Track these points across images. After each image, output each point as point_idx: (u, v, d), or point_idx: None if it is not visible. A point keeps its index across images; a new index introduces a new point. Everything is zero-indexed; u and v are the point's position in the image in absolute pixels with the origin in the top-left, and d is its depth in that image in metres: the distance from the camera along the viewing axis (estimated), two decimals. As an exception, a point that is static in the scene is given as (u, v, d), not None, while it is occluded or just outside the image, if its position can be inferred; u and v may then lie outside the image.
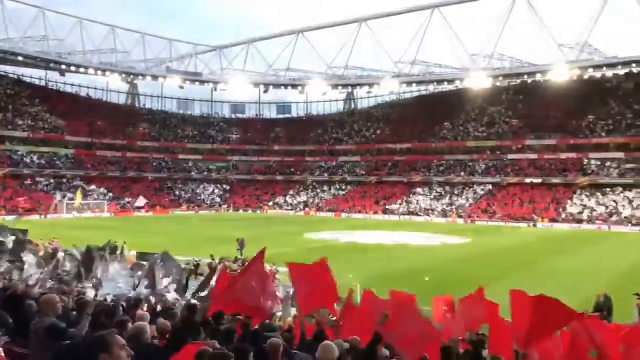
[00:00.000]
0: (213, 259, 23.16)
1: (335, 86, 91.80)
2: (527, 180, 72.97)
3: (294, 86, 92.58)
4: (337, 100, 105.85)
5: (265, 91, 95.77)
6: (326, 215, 76.09)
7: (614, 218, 61.79)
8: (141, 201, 76.29)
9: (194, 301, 10.19)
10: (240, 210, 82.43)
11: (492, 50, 73.97)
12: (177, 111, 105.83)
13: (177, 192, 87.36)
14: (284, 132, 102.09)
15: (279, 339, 5.55)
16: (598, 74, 75.66)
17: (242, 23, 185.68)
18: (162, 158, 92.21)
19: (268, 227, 55.15)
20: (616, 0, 63.97)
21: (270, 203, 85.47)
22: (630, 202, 64.02)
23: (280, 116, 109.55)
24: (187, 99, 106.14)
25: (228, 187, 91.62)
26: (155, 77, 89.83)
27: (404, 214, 73.26)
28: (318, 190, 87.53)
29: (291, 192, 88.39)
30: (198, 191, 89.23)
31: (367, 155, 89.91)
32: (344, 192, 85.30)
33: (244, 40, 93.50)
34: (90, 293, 11.56)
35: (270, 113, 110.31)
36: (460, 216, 69.77)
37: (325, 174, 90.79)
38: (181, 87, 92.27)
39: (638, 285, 23.27)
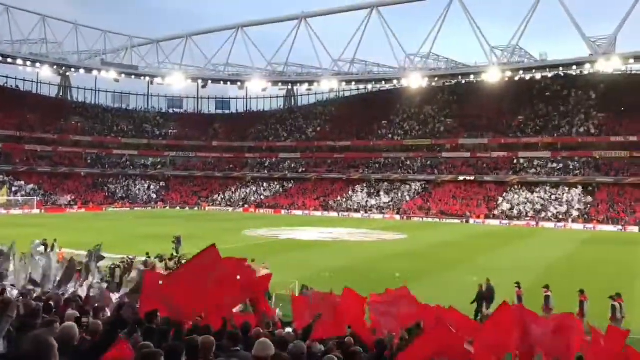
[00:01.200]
0: (149, 257, 22.71)
1: (275, 83, 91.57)
2: (461, 178, 75.34)
3: (233, 82, 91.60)
4: (277, 97, 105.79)
5: (204, 86, 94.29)
6: (266, 213, 75.89)
7: (542, 215, 64.75)
8: (65, 199, 74.10)
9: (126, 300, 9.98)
10: (178, 208, 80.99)
11: (428, 51, 75.75)
12: (112, 105, 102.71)
13: (111, 189, 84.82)
14: (223, 128, 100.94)
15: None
16: (528, 76, 78.89)
17: (181, 16, 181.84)
18: (96, 153, 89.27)
19: (206, 224, 54.45)
20: (546, 5, 66.71)
21: (209, 200, 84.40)
22: (557, 199, 67.27)
23: (220, 112, 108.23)
24: (122, 93, 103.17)
25: (165, 184, 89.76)
26: (89, 70, 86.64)
27: (343, 211, 74.05)
28: (257, 187, 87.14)
29: (230, 189, 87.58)
30: (133, 188, 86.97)
31: (307, 152, 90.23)
32: (283, 189, 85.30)
33: (182, 34, 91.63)
34: (14, 292, 11.11)
35: (209, 108, 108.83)
36: (397, 213, 71.22)
37: (265, 171, 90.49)
38: (116, 81, 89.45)
39: (559, 279, 24.58)
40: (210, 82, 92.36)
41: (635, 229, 57.31)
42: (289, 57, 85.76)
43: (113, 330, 5.65)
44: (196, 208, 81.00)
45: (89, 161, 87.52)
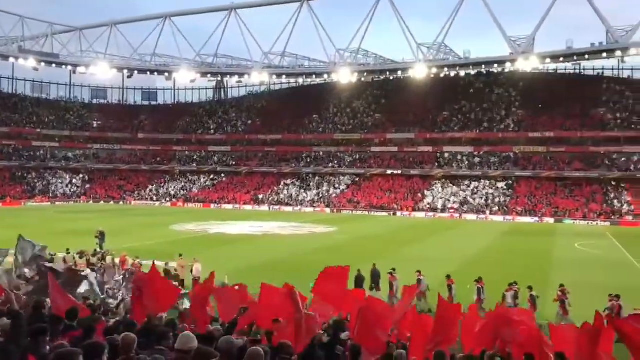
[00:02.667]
0: (69, 253, 21.90)
1: (204, 74, 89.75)
2: (389, 172, 77.04)
3: (160, 72, 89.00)
4: (206, 89, 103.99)
5: (130, 76, 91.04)
6: (194, 207, 74.68)
7: (465, 207, 67.30)
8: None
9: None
10: (102, 202, 78.23)
11: (357, 46, 76.67)
12: (31, 94, 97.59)
13: (30, 182, 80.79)
14: (150, 119, 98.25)
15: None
16: (453, 73, 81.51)
17: (106, 4, 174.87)
18: (14, 145, 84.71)
19: (132, 218, 52.97)
20: (470, 5, 68.95)
21: (135, 194, 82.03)
22: (479, 192, 70.12)
23: (146, 103, 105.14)
24: (42, 82, 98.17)
25: (88, 177, 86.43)
26: (5, 57, 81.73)
27: (274, 205, 74.01)
28: (186, 181, 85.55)
29: (157, 182, 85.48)
30: (54, 181, 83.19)
31: (237, 145, 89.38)
32: (213, 183, 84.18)
33: (107, 22, 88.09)
34: None
35: (135, 99, 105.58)
36: (327, 206, 71.97)
37: (194, 164, 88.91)
38: (35, 69, 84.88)
39: (479, 269, 25.67)
40: (136, 72, 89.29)
41: (551, 220, 60.74)
42: (219, 49, 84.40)
43: (28, 329, 5.45)
44: (121, 202, 78.50)
45: (6, 153, 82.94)
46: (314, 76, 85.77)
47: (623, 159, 67.90)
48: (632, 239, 43.12)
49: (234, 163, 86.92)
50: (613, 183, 66.29)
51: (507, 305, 16.48)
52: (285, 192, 77.94)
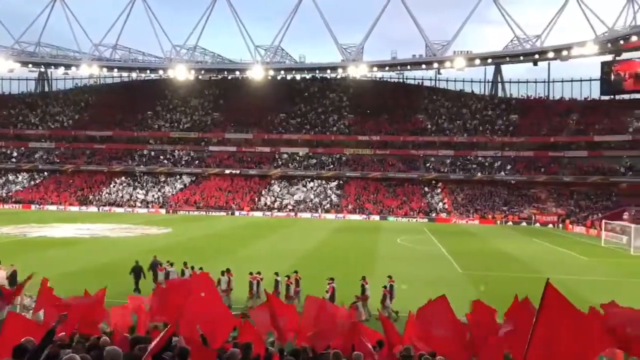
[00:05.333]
0: None
1: (25, 63, 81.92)
2: (227, 171, 77.02)
3: (-29, 59, 79.60)
4: (27, 80, 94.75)
5: None
6: (12, 208, 68.06)
7: (301, 206, 69.73)
8: None
9: None
10: None
11: (195, 43, 75.65)
12: None
13: None
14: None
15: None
16: (289, 76, 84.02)
17: None
18: None
19: None
20: (306, 11, 71.61)
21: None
22: (313, 192, 73.05)
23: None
24: None
25: None
26: None
27: (103, 206, 70.10)
28: (3, 180, 77.42)
29: (-34, 181, 76.24)
30: None
31: (63, 141, 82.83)
32: (35, 182, 77.21)
33: None
34: None
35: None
36: (162, 207, 69.95)
37: (12, 162, 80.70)
38: None
39: (313, 264, 27.00)
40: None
41: (377, 217, 65.44)
42: (42, 37, 77.76)
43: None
44: None
45: None
46: (148, 71, 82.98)
47: (438, 161, 75.24)
48: (446, 234, 48.15)
49: (58, 161, 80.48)
50: (432, 183, 73.16)
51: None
52: (117, 192, 74.16)
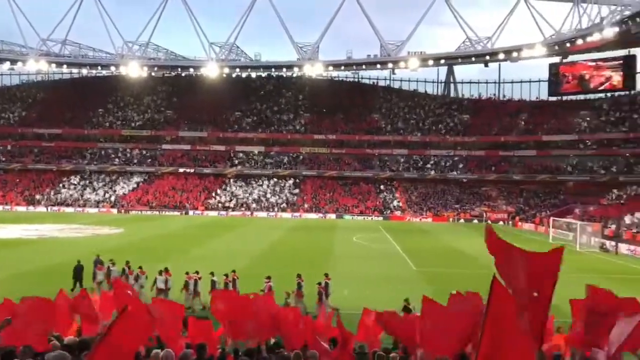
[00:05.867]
0: None
1: (-34, 58, 78.57)
2: (181, 170, 75.86)
3: None
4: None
5: None
6: (-47, 208, 65.24)
7: (257, 205, 69.34)
8: None
9: None
10: None
11: (147, 40, 74.15)
12: None
13: None
14: None
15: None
16: (244, 74, 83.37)
17: None
18: None
19: None
20: (262, 9, 71.13)
21: None
22: (270, 191, 72.77)
23: None
24: None
25: None
26: None
27: (52, 205, 67.99)
28: (-58, 179, 74.08)
29: None
30: None
31: (8, 139, 79.70)
32: (-23, 181, 74.15)
33: None
34: None
35: None
36: (114, 206, 68.36)
37: (-47, 160, 77.31)
38: None
39: (269, 263, 26.93)
40: None
41: (333, 216, 65.71)
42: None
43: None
44: None
45: None
46: (99, 67, 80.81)
47: (392, 160, 76.11)
48: (400, 232, 48.78)
49: (4, 159, 77.51)
50: (390, 182, 73.95)
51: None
52: (66, 191, 72.02)
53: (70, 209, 66.70)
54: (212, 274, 18.70)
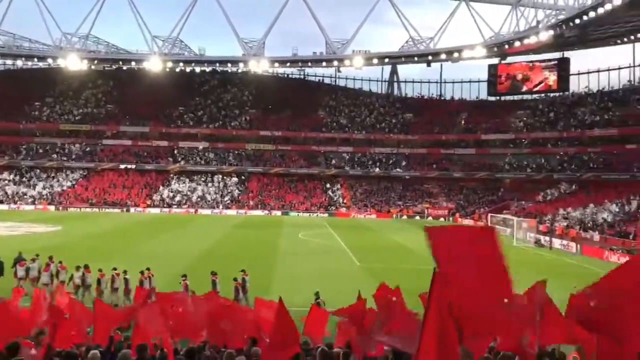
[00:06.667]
0: None
1: None
2: (122, 166, 73.97)
3: None
4: None
5: None
6: None
7: (201, 202, 68.49)
8: None
9: None
10: None
11: (87, 32, 71.84)
12: None
13: None
14: None
15: None
16: (188, 69, 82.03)
17: None
18: None
19: None
20: (206, 3, 70.14)
21: None
22: (214, 187, 72.02)
23: None
24: None
25: None
26: None
27: (-17, 202, 64.99)
28: None
29: None
30: None
31: None
32: None
33: None
34: None
35: None
36: (51, 203, 66.00)
37: None
38: None
39: (213, 262, 26.75)
40: None
41: (279, 212, 65.71)
42: None
43: None
44: None
45: None
46: (35, 59, 77.63)
47: (337, 157, 76.76)
48: (345, 228, 49.38)
49: None
50: (335, 178, 74.54)
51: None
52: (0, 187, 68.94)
53: (4, 207, 63.91)
54: (125, 272, 18.75)
